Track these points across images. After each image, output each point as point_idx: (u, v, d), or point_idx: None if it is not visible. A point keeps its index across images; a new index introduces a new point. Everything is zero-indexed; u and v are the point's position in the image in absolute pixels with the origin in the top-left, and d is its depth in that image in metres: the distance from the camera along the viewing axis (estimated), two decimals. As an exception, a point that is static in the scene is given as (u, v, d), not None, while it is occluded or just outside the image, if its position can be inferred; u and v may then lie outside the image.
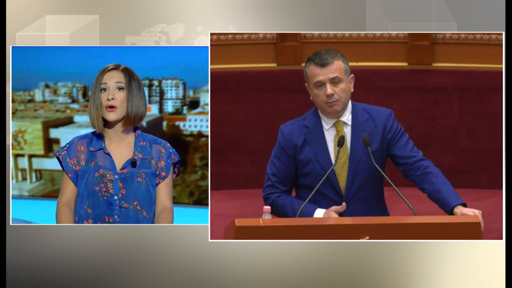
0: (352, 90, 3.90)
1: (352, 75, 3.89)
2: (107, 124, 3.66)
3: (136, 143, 3.68)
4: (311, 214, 3.82)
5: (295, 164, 3.91)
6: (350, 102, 3.91)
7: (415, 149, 3.91)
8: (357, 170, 3.85)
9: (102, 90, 3.63)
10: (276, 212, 3.89)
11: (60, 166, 3.70)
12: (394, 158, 3.91)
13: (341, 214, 3.82)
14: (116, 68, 3.67)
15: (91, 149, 3.66)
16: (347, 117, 3.90)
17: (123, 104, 3.63)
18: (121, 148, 3.67)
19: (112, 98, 3.62)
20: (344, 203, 3.81)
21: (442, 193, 3.78)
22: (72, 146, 3.68)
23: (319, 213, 3.82)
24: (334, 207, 3.81)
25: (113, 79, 3.64)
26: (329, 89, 3.82)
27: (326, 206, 3.85)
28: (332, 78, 3.82)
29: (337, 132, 3.89)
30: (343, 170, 3.88)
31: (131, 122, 3.66)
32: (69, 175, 3.66)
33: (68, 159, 3.67)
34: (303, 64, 3.93)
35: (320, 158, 3.87)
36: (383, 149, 3.90)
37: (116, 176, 3.63)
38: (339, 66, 3.84)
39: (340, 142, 3.80)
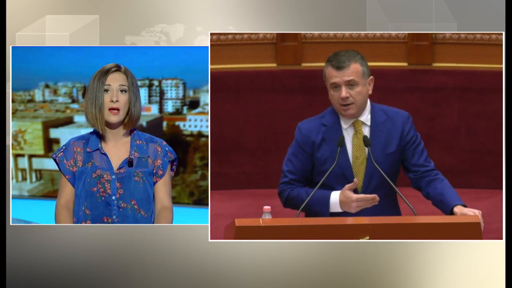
0: (370, 92, 3.90)
1: (371, 77, 3.89)
2: (107, 125, 3.65)
3: (132, 142, 3.68)
4: (327, 195, 3.82)
5: (312, 162, 3.92)
6: (369, 102, 3.91)
7: (428, 159, 3.93)
8: (374, 171, 3.85)
9: (105, 91, 3.63)
10: (292, 203, 3.89)
11: (57, 167, 3.70)
12: (406, 163, 3.92)
13: (358, 213, 3.82)
14: (118, 69, 3.66)
15: (88, 150, 3.66)
16: (365, 117, 3.90)
17: (125, 107, 3.64)
18: (117, 148, 3.67)
19: (117, 100, 3.61)
20: (356, 179, 3.80)
21: (444, 196, 3.80)
22: (69, 148, 3.68)
23: (335, 194, 3.82)
24: (347, 185, 3.80)
25: (117, 82, 3.63)
26: (344, 92, 3.83)
27: None
28: (347, 81, 3.83)
29: (355, 132, 3.89)
30: (361, 170, 3.88)
31: (132, 124, 3.66)
32: (66, 177, 3.66)
33: (65, 161, 3.67)
34: (303, 64, 3.94)
35: (338, 158, 3.87)
36: (400, 151, 3.91)
37: (113, 176, 3.63)
38: (356, 69, 3.84)
39: (340, 142, 3.81)
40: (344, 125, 3.91)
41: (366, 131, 3.90)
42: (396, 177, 3.92)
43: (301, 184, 3.93)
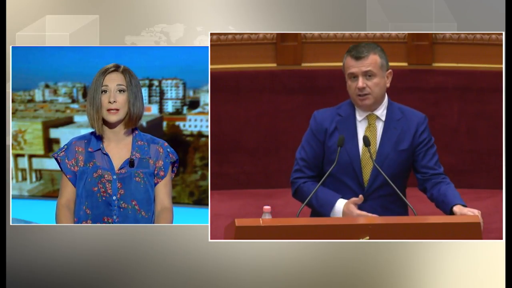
0: (388, 85, 3.91)
1: (390, 70, 3.91)
2: (107, 125, 3.66)
3: (134, 143, 3.68)
4: (333, 203, 3.84)
5: (324, 150, 3.93)
6: (386, 98, 3.93)
7: (439, 163, 3.94)
8: (382, 166, 3.85)
9: (103, 92, 3.63)
10: (301, 198, 3.90)
11: (58, 167, 3.70)
12: (415, 163, 3.93)
13: (360, 208, 3.83)
14: (116, 69, 3.66)
15: (89, 149, 3.66)
16: (381, 112, 3.92)
17: (124, 106, 3.64)
18: (119, 148, 3.67)
19: (114, 101, 3.62)
20: (361, 196, 3.81)
21: (446, 196, 3.81)
22: (70, 147, 3.68)
23: (341, 203, 3.83)
24: (353, 199, 3.81)
25: (114, 82, 3.64)
26: (361, 82, 3.85)
27: (347, 196, 3.86)
28: (365, 71, 3.84)
29: (368, 125, 3.91)
30: (369, 163, 3.89)
31: (133, 123, 3.66)
32: (67, 176, 3.66)
33: (66, 160, 3.67)
34: (303, 64, 3.94)
35: (348, 148, 3.88)
36: (411, 150, 3.91)
37: (114, 177, 3.63)
38: (374, 60, 3.85)
39: (340, 142, 3.81)
40: (359, 117, 3.92)
41: (379, 126, 3.91)
42: (405, 178, 3.92)
43: (313, 173, 3.94)
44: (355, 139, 3.91)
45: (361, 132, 3.92)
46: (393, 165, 3.87)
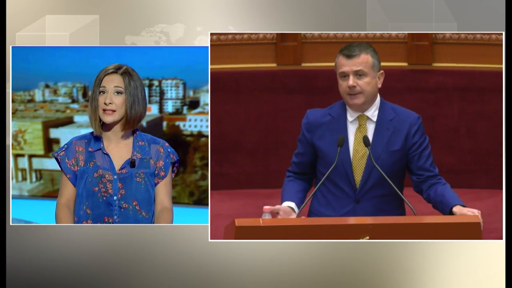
0: (379, 85, 3.90)
1: (381, 71, 3.90)
2: (105, 126, 3.66)
3: (135, 143, 3.68)
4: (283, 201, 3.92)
5: (314, 148, 3.93)
6: (379, 99, 3.92)
7: (434, 164, 3.92)
8: (373, 167, 3.85)
9: (101, 93, 3.63)
10: (282, 194, 3.96)
11: (58, 166, 3.70)
12: (410, 165, 3.91)
13: (354, 211, 3.83)
14: (116, 71, 3.66)
15: (90, 149, 3.66)
16: (372, 112, 3.91)
17: (121, 108, 3.64)
18: (119, 148, 3.68)
19: (110, 103, 3.62)
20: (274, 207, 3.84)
21: (444, 196, 3.80)
22: (71, 147, 3.68)
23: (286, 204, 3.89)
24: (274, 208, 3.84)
25: (112, 83, 3.64)
26: (351, 80, 3.84)
27: (340, 197, 3.89)
28: (356, 70, 3.84)
29: (359, 126, 3.90)
30: (360, 165, 3.89)
31: (130, 125, 3.66)
32: (67, 176, 3.66)
33: (66, 160, 3.67)
34: (303, 64, 3.94)
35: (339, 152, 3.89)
36: (404, 151, 3.90)
37: (115, 177, 3.63)
38: (365, 59, 3.85)
39: (340, 142, 3.81)
40: (350, 118, 3.92)
41: (371, 127, 3.91)
42: (400, 178, 3.91)
43: (300, 171, 3.96)
44: (346, 140, 3.91)
45: (351, 133, 3.91)
46: (386, 166, 3.86)
